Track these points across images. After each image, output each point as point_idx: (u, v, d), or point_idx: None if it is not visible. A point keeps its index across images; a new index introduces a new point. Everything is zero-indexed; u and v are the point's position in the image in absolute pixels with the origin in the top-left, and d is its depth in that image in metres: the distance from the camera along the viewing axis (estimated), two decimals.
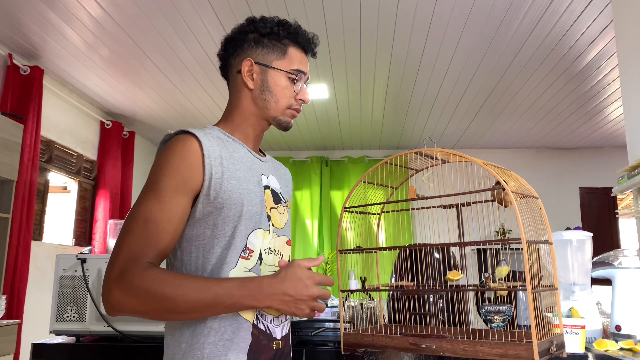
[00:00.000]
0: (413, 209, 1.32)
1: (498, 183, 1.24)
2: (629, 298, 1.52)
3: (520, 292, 1.58)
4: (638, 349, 1.30)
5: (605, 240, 6.06)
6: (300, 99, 1.13)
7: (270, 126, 1.16)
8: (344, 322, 1.54)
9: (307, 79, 1.16)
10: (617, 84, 4.28)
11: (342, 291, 1.41)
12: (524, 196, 1.22)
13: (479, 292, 1.36)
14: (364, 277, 1.35)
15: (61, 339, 1.71)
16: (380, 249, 1.37)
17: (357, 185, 1.41)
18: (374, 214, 1.47)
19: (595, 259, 1.66)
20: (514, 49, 3.66)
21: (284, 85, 1.10)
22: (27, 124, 3.61)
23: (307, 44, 1.14)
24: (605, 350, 1.31)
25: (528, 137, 5.97)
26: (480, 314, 1.34)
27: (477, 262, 5.69)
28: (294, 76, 1.11)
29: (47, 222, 4.18)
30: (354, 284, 1.66)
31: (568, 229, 1.71)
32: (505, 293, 1.21)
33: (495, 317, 1.29)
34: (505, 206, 1.27)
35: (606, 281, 1.64)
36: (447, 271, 1.29)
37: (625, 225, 6.53)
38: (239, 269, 1.00)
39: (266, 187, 1.09)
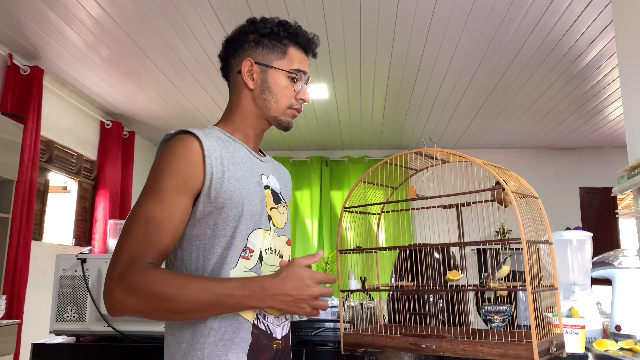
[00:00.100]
0: (413, 209, 1.32)
1: (498, 183, 1.24)
2: (629, 298, 1.52)
3: (520, 292, 1.58)
4: (638, 349, 1.30)
5: (605, 240, 6.06)
6: (300, 99, 1.13)
7: (271, 126, 1.16)
8: (344, 322, 1.54)
9: (308, 78, 1.16)
10: (617, 84, 4.28)
11: (342, 291, 1.41)
12: (524, 196, 1.22)
13: (479, 292, 1.36)
14: (364, 277, 1.35)
15: (61, 339, 1.71)
16: (380, 249, 1.37)
17: (357, 185, 1.41)
18: (374, 214, 1.47)
19: (595, 259, 1.66)
20: (514, 49, 3.66)
21: (284, 84, 1.10)
22: (27, 124, 3.61)
23: (307, 44, 1.14)
24: (605, 350, 1.31)
25: (528, 137, 5.97)
26: (480, 314, 1.34)
27: (477, 262, 5.69)
28: (294, 75, 1.11)
29: (47, 222, 4.18)
30: (354, 284, 1.65)
31: (568, 229, 1.71)
32: (505, 293, 1.21)
33: (495, 317, 1.29)
34: (505, 206, 1.27)
35: (606, 281, 1.64)
36: (447, 271, 1.29)
37: (625, 225, 6.53)
38: (239, 269, 1.00)
39: (266, 187, 1.09)
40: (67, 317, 1.65)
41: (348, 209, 1.40)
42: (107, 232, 1.90)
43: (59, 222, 4.57)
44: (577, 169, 6.38)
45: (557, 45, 3.60)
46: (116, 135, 5.08)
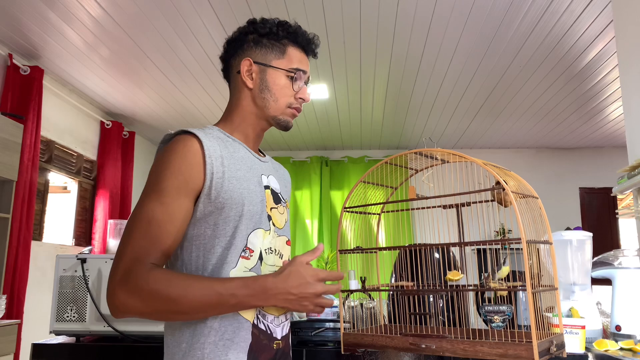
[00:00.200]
0: (413, 209, 1.32)
1: (498, 183, 1.24)
2: (629, 298, 1.52)
3: (520, 292, 1.58)
4: (638, 349, 1.30)
5: (605, 240, 6.06)
6: (300, 98, 1.13)
7: (271, 126, 1.16)
8: (344, 322, 1.54)
9: (308, 78, 1.15)
10: (617, 84, 4.28)
11: (342, 291, 1.41)
12: (524, 196, 1.22)
13: (479, 292, 1.36)
14: (364, 277, 1.35)
15: (61, 339, 1.71)
16: (380, 249, 1.37)
17: (357, 185, 1.41)
18: (374, 214, 1.47)
19: (595, 259, 1.66)
20: (514, 49, 3.66)
21: (283, 83, 1.10)
22: (27, 124, 3.61)
23: (306, 44, 1.14)
24: (605, 350, 1.31)
25: (528, 137, 5.97)
26: (480, 314, 1.34)
27: (477, 262, 5.69)
28: (292, 74, 1.11)
29: (47, 222, 4.18)
30: (354, 284, 1.65)
31: (568, 229, 1.71)
32: (505, 293, 1.21)
33: (495, 317, 1.29)
34: (505, 206, 1.27)
35: (606, 281, 1.64)
36: (447, 271, 1.29)
37: (625, 225, 6.53)
38: (239, 269, 1.00)
39: (266, 187, 1.09)
40: (67, 317, 1.65)
41: (348, 209, 1.40)
42: (107, 232, 1.90)
43: (59, 222, 4.57)
44: (577, 169, 6.38)
45: (557, 45, 3.60)
46: (116, 135, 5.08)
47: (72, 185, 4.72)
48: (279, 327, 1.06)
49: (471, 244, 1.20)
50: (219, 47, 3.60)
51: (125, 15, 3.18)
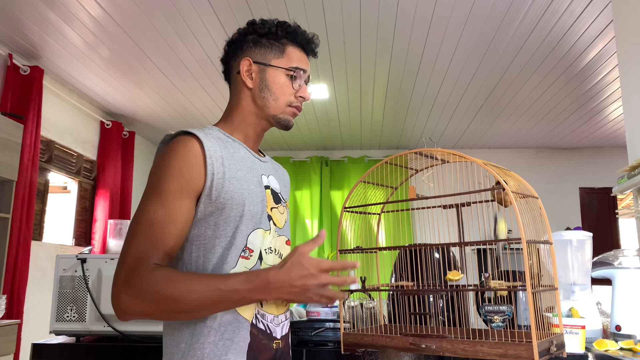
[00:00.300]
0: (413, 209, 1.32)
1: (498, 183, 1.24)
2: (629, 298, 1.52)
3: (520, 292, 1.58)
4: (638, 349, 1.30)
5: (605, 240, 6.06)
6: (300, 96, 1.13)
7: (271, 127, 1.16)
8: (344, 322, 1.54)
9: (308, 77, 1.16)
10: (617, 84, 4.28)
11: (342, 291, 1.40)
12: (524, 196, 1.22)
13: (479, 292, 1.36)
14: (364, 277, 1.35)
15: (61, 339, 1.71)
16: (380, 249, 1.37)
17: (357, 185, 1.41)
18: (374, 214, 1.47)
19: (595, 259, 1.66)
20: (514, 49, 3.66)
21: (282, 82, 1.10)
22: (27, 124, 3.61)
23: (306, 43, 1.14)
24: (605, 350, 1.31)
25: (528, 137, 5.97)
26: (480, 314, 1.34)
27: (477, 262, 5.69)
28: (292, 73, 1.11)
29: (47, 222, 4.18)
30: (354, 284, 1.65)
31: (568, 229, 1.71)
32: (505, 293, 1.21)
33: (495, 317, 1.29)
34: (505, 206, 1.27)
35: (606, 281, 1.64)
36: (447, 271, 1.29)
37: (625, 225, 6.53)
38: (239, 269, 1.00)
39: (267, 187, 1.09)
40: (67, 317, 1.65)
41: (348, 209, 1.40)
42: (107, 232, 1.90)
43: (59, 222, 4.57)
44: (577, 169, 6.38)
45: (557, 45, 3.60)
46: (116, 135, 5.08)
47: (72, 185, 4.72)
48: (279, 327, 1.06)
49: (471, 244, 1.20)
50: (219, 47, 3.60)
51: (125, 15, 3.18)
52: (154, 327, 1.62)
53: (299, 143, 6.27)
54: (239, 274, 0.93)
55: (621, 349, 1.33)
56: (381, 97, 4.64)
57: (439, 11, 3.15)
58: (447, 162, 1.36)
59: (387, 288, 1.37)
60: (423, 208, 1.42)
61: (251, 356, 0.99)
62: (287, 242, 1.14)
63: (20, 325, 3.38)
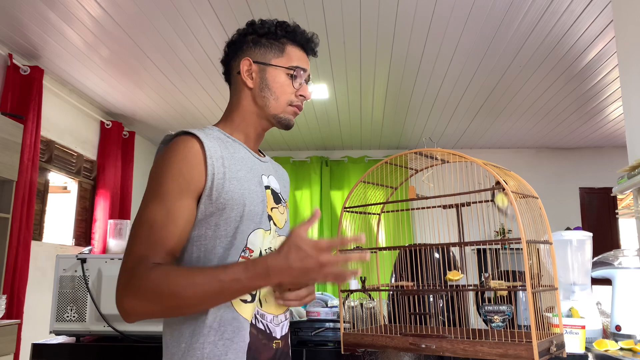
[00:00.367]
0: (413, 209, 1.32)
1: (498, 183, 1.24)
2: (629, 298, 1.52)
3: (520, 292, 1.58)
4: (638, 349, 1.30)
5: (605, 240, 6.06)
6: (300, 95, 1.13)
7: (272, 126, 1.16)
8: (344, 322, 1.54)
9: (309, 76, 1.16)
10: (617, 84, 4.28)
11: (342, 291, 1.41)
12: (524, 196, 1.22)
13: (479, 292, 1.36)
14: (364, 277, 1.35)
15: (61, 339, 1.71)
16: (380, 249, 1.37)
17: (357, 185, 1.41)
18: (374, 214, 1.47)
19: (595, 259, 1.66)
20: (514, 49, 3.66)
21: (282, 81, 1.10)
22: (27, 124, 3.61)
23: (305, 43, 1.15)
24: (605, 350, 1.31)
25: (528, 137, 5.97)
26: (480, 314, 1.34)
27: (477, 262, 5.69)
28: (292, 72, 1.11)
29: (47, 222, 4.18)
30: (354, 284, 1.66)
31: (568, 229, 1.71)
32: (505, 293, 1.21)
33: (495, 317, 1.29)
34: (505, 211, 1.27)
35: (606, 281, 1.64)
36: (447, 271, 1.29)
37: (625, 225, 6.53)
38: None
39: (267, 187, 1.09)
40: (67, 317, 1.65)
41: (348, 209, 1.40)
42: (107, 232, 1.90)
43: (59, 222, 4.57)
44: (577, 169, 6.38)
45: (557, 45, 3.60)
46: (116, 135, 5.08)
47: (72, 185, 4.72)
48: (279, 327, 1.07)
49: (471, 244, 1.20)
50: (219, 47, 3.60)
51: (125, 15, 3.18)
52: (154, 327, 1.62)
53: (299, 143, 6.27)
54: (239, 263, 0.92)
55: (621, 349, 1.33)
56: (381, 97, 4.64)
57: (439, 11, 3.16)
58: (447, 162, 1.36)
59: (387, 288, 1.37)
60: (423, 208, 1.42)
61: (251, 356, 0.99)
62: None
63: (20, 325, 3.38)
